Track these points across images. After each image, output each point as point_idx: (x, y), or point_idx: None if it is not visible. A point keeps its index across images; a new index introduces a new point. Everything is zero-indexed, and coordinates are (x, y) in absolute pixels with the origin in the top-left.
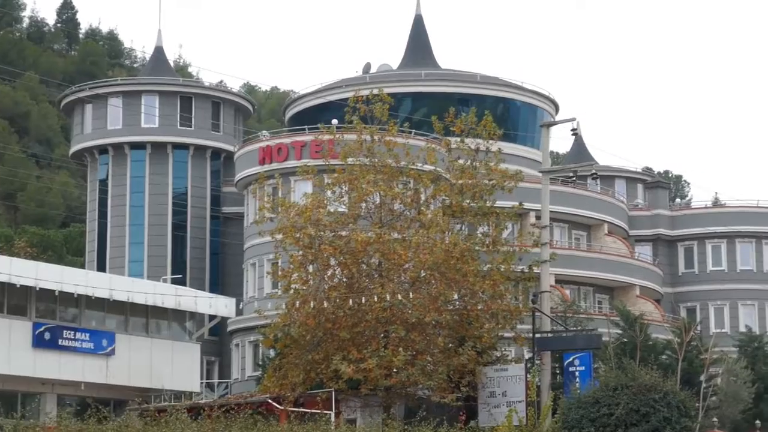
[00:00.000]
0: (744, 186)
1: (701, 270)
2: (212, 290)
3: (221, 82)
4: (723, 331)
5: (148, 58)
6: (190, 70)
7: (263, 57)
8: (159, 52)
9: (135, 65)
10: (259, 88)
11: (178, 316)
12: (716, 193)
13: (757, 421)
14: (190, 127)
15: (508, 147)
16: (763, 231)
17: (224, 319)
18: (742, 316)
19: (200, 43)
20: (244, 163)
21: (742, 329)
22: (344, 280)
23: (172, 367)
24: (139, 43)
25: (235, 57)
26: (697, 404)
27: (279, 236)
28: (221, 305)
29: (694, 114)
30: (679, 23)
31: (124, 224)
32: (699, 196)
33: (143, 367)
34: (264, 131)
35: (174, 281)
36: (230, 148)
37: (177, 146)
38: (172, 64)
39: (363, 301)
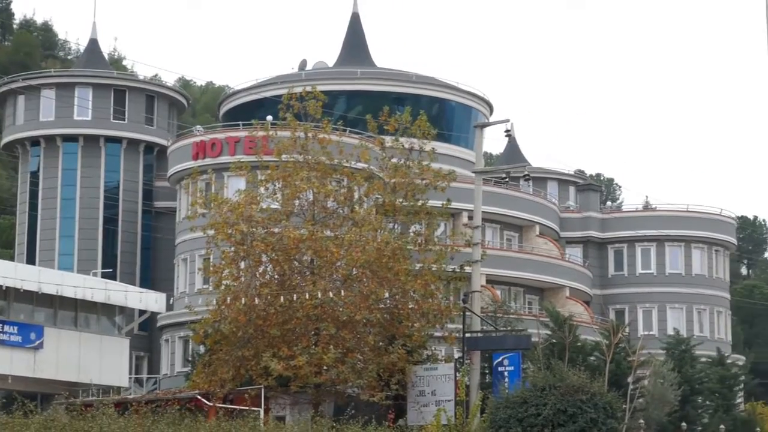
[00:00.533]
0: (674, 190)
1: (630, 273)
2: (143, 285)
3: (156, 76)
4: (651, 333)
5: (82, 51)
6: (124, 63)
7: (199, 52)
8: (93, 44)
9: (69, 57)
10: (194, 82)
11: (107, 310)
12: (647, 196)
13: (683, 424)
14: (124, 120)
15: (442, 147)
16: (692, 235)
17: (154, 314)
18: (670, 318)
19: (135, 37)
20: (177, 158)
21: (670, 332)
22: (276, 277)
23: (100, 361)
24: (73, 35)
25: (170, 51)
26: (624, 406)
27: (211, 232)
28: (151, 300)
29: (627, 118)
30: (611, 26)
31: (55, 217)
32: (630, 199)
33: (71, 361)
34: (198, 126)
35: (104, 275)
36: (163, 142)
37: (110, 139)
38: (106, 56)
39: (294, 298)
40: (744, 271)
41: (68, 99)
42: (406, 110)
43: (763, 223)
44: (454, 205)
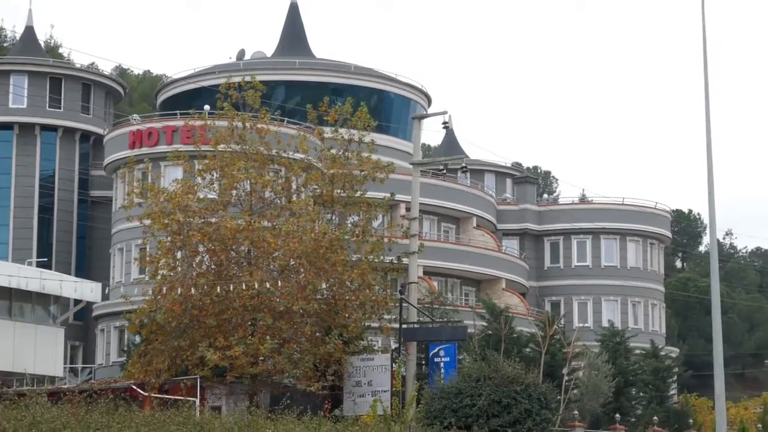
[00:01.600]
0: (610, 184)
1: (566, 265)
2: (78, 274)
3: (93, 64)
4: (586, 325)
5: (18, 38)
6: (61, 51)
7: (136, 40)
8: (29, 31)
9: (4, 45)
10: (132, 71)
11: (42, 299)
12: (583, 189)
13: (617, 415)
14: (60, 108)
15: (380, 138)
16: (627, 228)
17: (90, 304)
18: (605, 311)
19: (72, 24)
20: (114, 147)
21: (605, 324)
22: (212, 267)
23: (35, 351)
24: (9, 22)
25: (107, 39)
26: (558, 397)
27: (147, 222)
28: (87, 290)
29: (564, 111)
30: (547, 20)
31: None
32: (566, 192)
33: (5, 350)
34: (135, 115)
35: (39, 264)
36: (100, 131)
37: (45, 128)
38: (42, 44)
39: (231, 288)
40: (678, 264)
41: (3, 86)
42: (348, 101)
43: (697, 216)
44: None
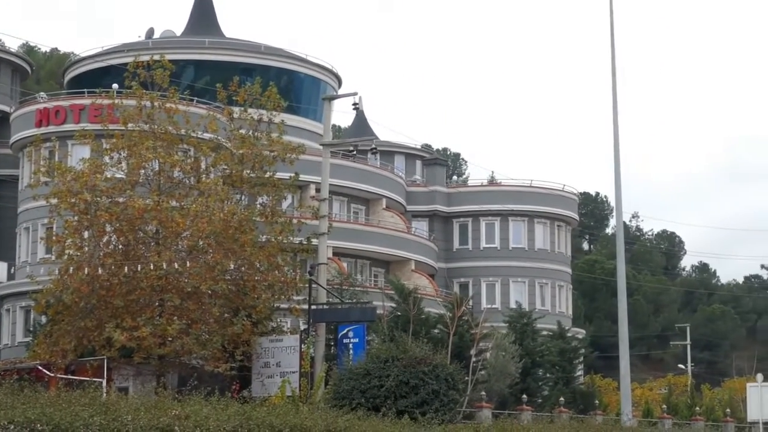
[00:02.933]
0: (519, 166)
1: (475, 246)
2: None
3: None
4: (494, 306)
5: None
6: None
7: (43, 17)
8: None
9: None
10: (39, 49)
11: None
12: (492, 172)
13: (524, 396)
14: None
15: (290, 119)
16: (535, 210)
17: None
18: (513, 292)
19: None
20: (20, 125)
21: (513, 305)
22: (120, 247)
23: None
24: None
25: (13, 16)
26: (466, 378)
27: (54, 201)
28: None
29: (474, 93)
30: (456, 1)
31: None
32: (476, 174)
33: None
34: (42, 93)
35: None
36: (6, 108)
37: None
38: None
39: (138, 268)
40: (585, 246)
41: None
42: (257, 81)
43: (604, 199)
44: (302, 177)
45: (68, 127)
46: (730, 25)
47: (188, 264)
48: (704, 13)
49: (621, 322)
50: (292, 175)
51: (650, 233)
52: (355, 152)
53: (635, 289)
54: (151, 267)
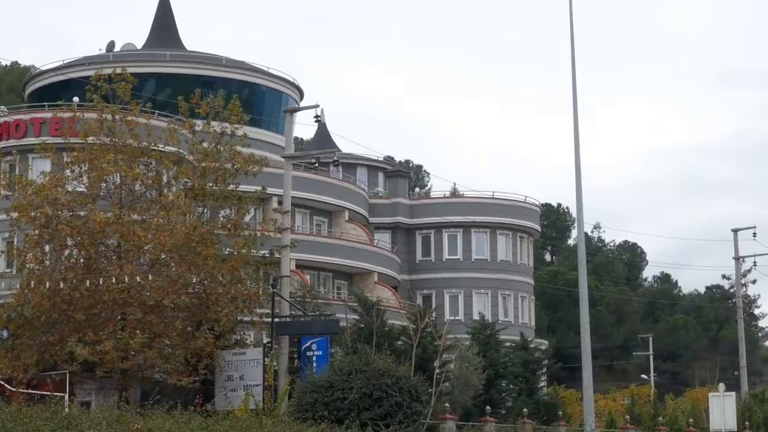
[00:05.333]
0: (481, 178)
1: (438, 258)
2: None
3: None
4: (457, 318)
5: None
6: None
7: (3, 29)
8: None
9: None
10: None
11: None
12: (454, 183)
13: (488, 407)
14: None
15: (252, 131)
16: (497, 221)
17: None
18: (476, 303)
19: None
20: None
21: (476, 317)
22: (82, 260)
23: None
24: None
25: None
26: (429, 389)
27: (15, 214)
28: None
29: (435, 105)
30: (414, 9)
31: None
32: (438, 186)
33: None
34: (2, 107)
35: None
36: None
37: None
38: None
39: (100, 282)
40: (548, 257)
41: None
42: (220, 94)
43: (566, 210)
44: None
45: (29, 140)
46: (692, 34)
47: (150, 277)
48: (667, 20)
49: (583, 332)
50: (258, 188)
51: (612, 244)
52: (317, 164)
53: (598, 299)
54: (113, 281)
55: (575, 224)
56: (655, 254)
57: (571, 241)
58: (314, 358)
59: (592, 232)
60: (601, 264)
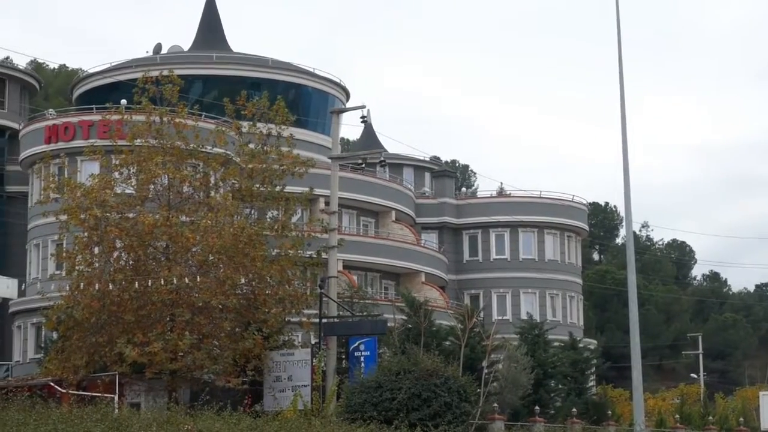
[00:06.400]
0: (528, 177)
1: (485, 258)
2: None
3: (7, 58)
4: (505, 318)
5: None
6: None
7: (52, 33)
8: None
9: None
10: (47, 65)
11: None
12: (501, 183)
13: (537, 407)
14: None
15: (299, 132)
16: (544, 221)
17: (6, 300)
18: (524, 303)
19: None
20: (30, 142)
21: (524, 317)
22: (130, 262)
23: None
24: None
25: (22, 33)
26: (478, 390)
27: (64, 217)
28: (3, 286)
29: (482, 104)
30: (464, 11)
31: None
32: (485, 185)
33: None
34: (51, 110)
35: None
36: (15, 126)
37: None
38: None
39: (149, 284)
40: (596, 256)
41: None
42: (264, 95)
43: (614, 209)
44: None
45: (77, 143)
46: (738, 31)
47: (199, 279)
48: (710, 17)
49: (633, 332)
50: (305, 189)
51: (660, 243)
52: (363, 165)
53: (646, 298)
54: (162, 282)
55: (623, 223)
56: (703, 252)
57: (619, 240)
58: (362, 359)
59: (640, 230)
60: (650, 263)
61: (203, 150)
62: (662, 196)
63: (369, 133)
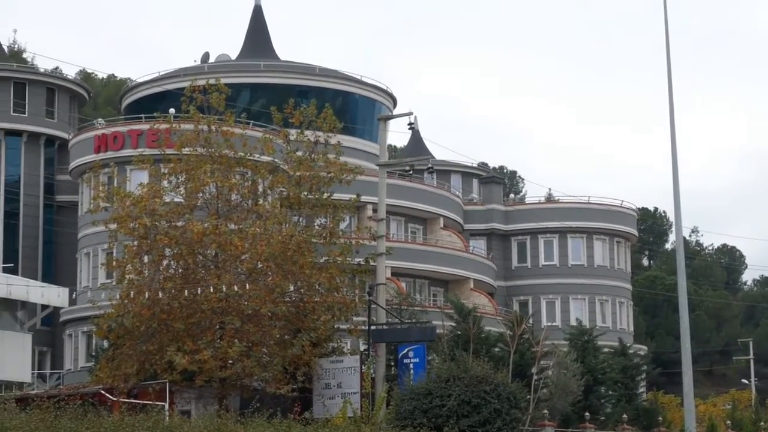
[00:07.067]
0: (576, 183)
1: (534, 264)
2: (45, 279)
3: (57, 68)
4: (554, 324)
5: None
6: (24, 55)
7: (100, 44)
8: None
9: None
10: (96, 75)
11: (9, 305)
12: (549, 189)
13: (587, 413)
14: (24, 113)
15: (346, 140)
16: (593, 226)
17: (57, 309)
18: (573, 309)
19: (36, 29)
20: (79, 151)
21: (573, 323)
22: (180, 270)
23: (2, 357)
24: None
25: (71, 43)
26: (527, 396)
27: (113, 226)
28: (54, 295)
29: (529, 110)
30: (508, 19)
31: None
32: (533, 191)
33: None
34: (100, 119)
35: (6, 270)
36: (65, 135)
37: (10, 133)
38: (6, 49)
39: (198, 292)
40: (645, 262)
41: None
42: (312, 103)
43: (663, 214)
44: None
45: (126, 152)
46: None
47: (248, 286)
48: (754, 19)
49: (683, 337)
50: (352, 196)
51: (710, 248)
52: (411, 172)
53: (696, 304)
54: (211, 290)
55: (672, 228)
56: (754, 257)
57: (668, 246)
58: (411, 366)
59: (689, 236)
60: (700, 268)
61: (251, 158)
62: (712, 200)
63: (416, 139)
